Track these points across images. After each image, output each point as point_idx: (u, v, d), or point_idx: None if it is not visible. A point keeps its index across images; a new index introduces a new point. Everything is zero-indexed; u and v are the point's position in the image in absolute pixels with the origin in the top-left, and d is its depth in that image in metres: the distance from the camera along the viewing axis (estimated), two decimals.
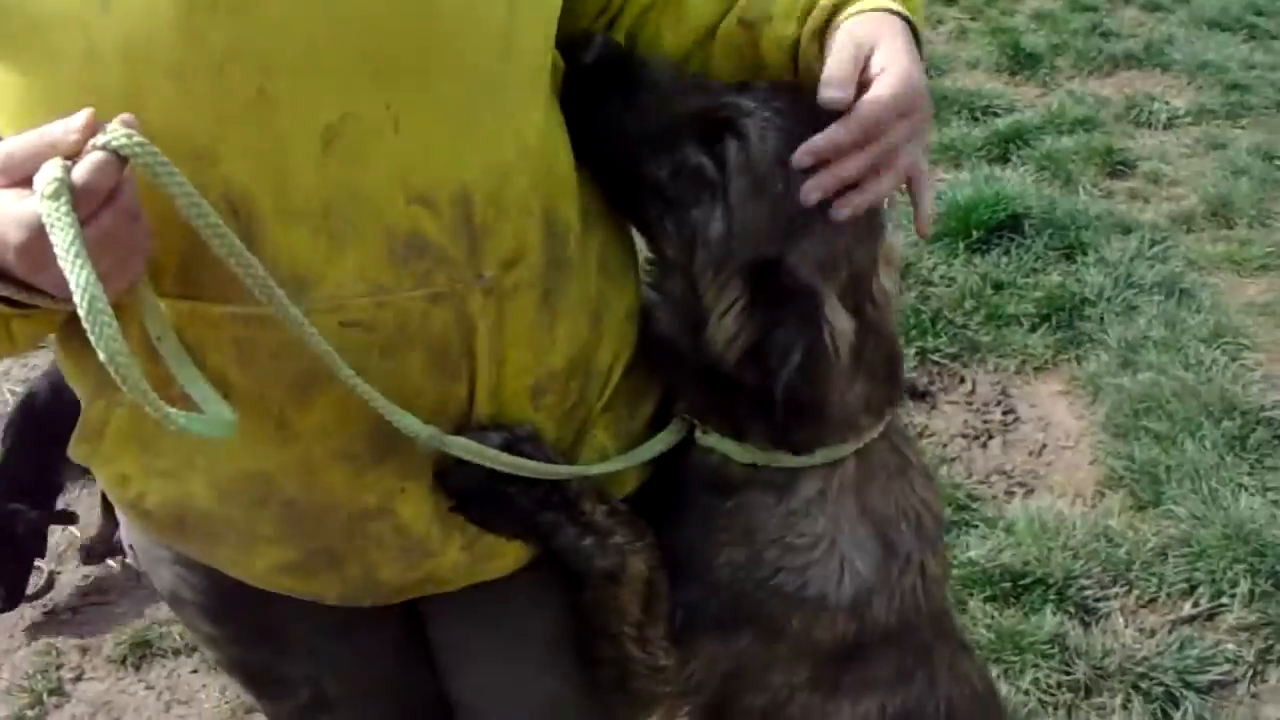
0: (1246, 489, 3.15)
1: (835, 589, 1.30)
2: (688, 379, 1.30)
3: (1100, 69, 5.74)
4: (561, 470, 1.20)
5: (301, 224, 1.02)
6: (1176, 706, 2.57)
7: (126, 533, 1.42)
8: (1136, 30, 6.15)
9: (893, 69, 1.12)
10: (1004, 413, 3.52)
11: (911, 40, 1.17)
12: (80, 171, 0.88)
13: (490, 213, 1.09)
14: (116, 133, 0.90)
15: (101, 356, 0.90)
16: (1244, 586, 2.84)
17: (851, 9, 1.18)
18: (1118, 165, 4.86)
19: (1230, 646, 2.74)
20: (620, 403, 1.31)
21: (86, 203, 0.88)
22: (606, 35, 1.22)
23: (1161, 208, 4.57)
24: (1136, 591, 2.87)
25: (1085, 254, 4.17)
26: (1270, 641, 2.74)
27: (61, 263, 0.87)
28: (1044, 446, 3.41)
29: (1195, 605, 2.84)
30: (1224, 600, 2.84)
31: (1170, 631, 2.75)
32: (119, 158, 0.90)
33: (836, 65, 1.12)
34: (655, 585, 1.29)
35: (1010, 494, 3.21)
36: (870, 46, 1.14)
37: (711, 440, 1.30)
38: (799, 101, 1.18)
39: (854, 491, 1.32)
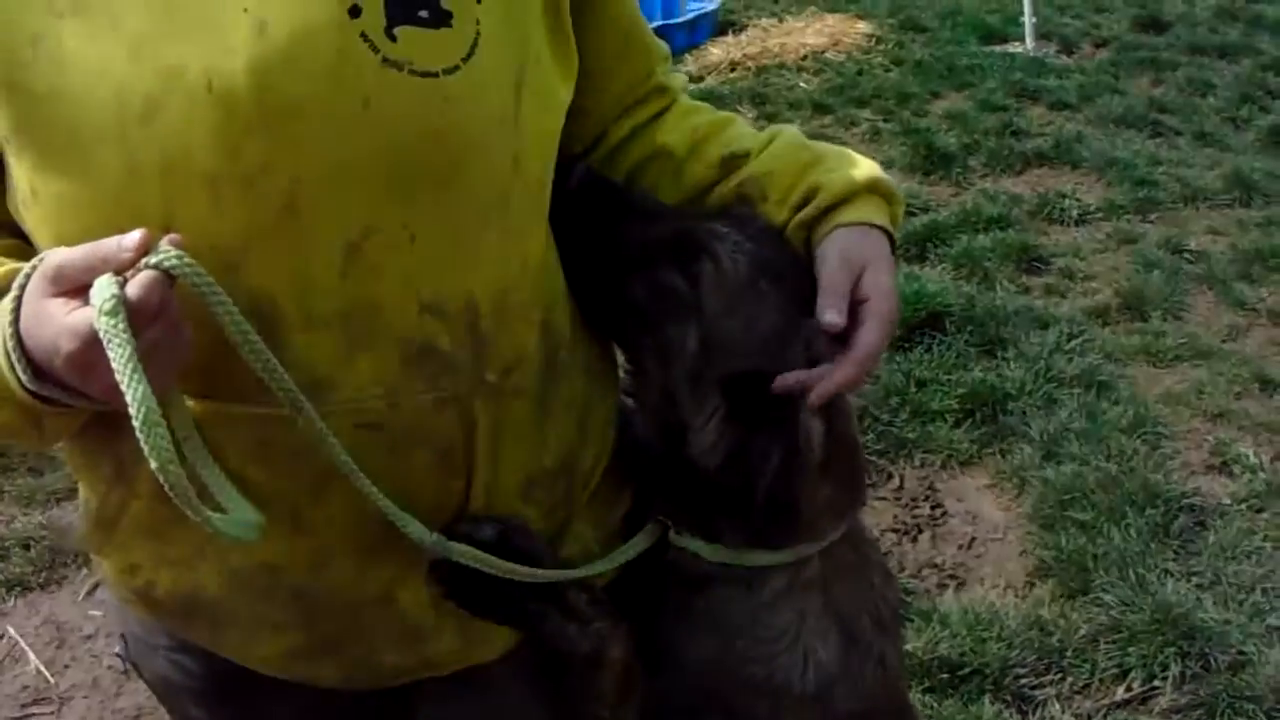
0: (1172, 574, 3.40)
1: (800, 678, 1.44)
2: (663, 483, 1.43)
3: (1012, 167, 6.16)
4: (550, 574, 1.32)
5: (322, 331, 1.13)
6: None
7: (118, 625, 1.51)
8: (1045, 129, 6.62)
9: (882, 303, 1.30)
10: (932, 507, 3.75)
11: (891, 256, 1.36)
12: (135, 289, 0.97)
13: (494, 322, 1.21)
14: (168, 253, 1.00)
15: (153, 465, 0.99)
16: (1175, 669, 3.07)
17: (841, 216, 1.36)
18: (1033, 261, 5.22)
19: None
20: (600, 500, 1.45)
21: (139, 318, 0.97)
22: (588, 164, 1.38)
23: (1077, 302, 4.92)
24: (1070, 678, 3.08)
25: (1005, 349, 4.47)
26: None
27: (118, 376, 0.96)
28: (973, 539, 3.64)
29: (1128, 689, 3.05)
30: (1156, 683, 3.05)
31: (1105, 716, 2.96)
32: (169, 276, 1.00)
33: (831, 288, 1.30)
34: (632, 671, 1.41)
35: (943, 586, 3.42)
36: (861, 267, 1.32)
37: (684, 540, 1.44)
38: (773, 236, 1.36)
39: (818, 588, 1.46)
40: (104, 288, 0.97)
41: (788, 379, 1.29)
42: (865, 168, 1.39)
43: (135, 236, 1.00)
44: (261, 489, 1.17)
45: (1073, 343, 4.55)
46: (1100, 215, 5.66)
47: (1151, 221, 5.63)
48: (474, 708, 1.49)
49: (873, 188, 1.38)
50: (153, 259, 1.00)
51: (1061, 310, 4.82)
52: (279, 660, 1.33)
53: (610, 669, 1.40)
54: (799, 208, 1.39)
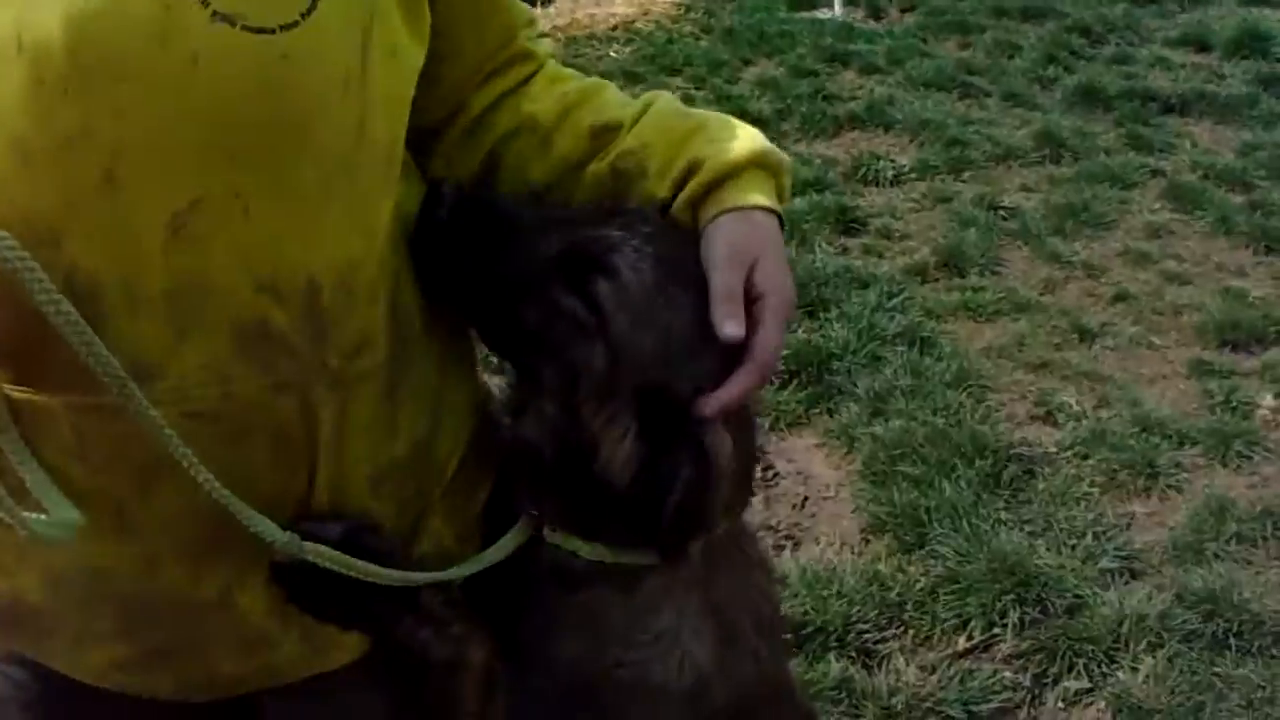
0: (1005, 523, 3.50)
1: (675, 679, 1.40)
2: (547, 487, 1.38)
3: (825, 131, 6.30)
4: (415, 577, 1.26)
5: (148, 313, 1.06)
6: None
7: None
8: (857, 93, 6.79)
9: (776, 298, 1.26)
10: (764, 469, 3.76)
11: (780, 239, 1.31)
12: None
13: (337, 302, 1.15)
14: None
15: None
16: (1013, 616, 3.15)
17: (726, 198, 1.30)
18: (850, 223, 5.33)
19: (1007, 674, 3.02)
20: (457, 491, 1.38)
21: None
22: (455, 184, 1.28)
23: (896, 261, 5.04)
24: (912, 631, 3.12)
25: (827, 310, 4.55)
26: (1044, 666, 3.04)
27: None
28: (806, 499, 3.67)
29: (969, 639, 3.11)
30: (996, 631, 3.13)
31: (950, 666, 3.00)
32: None
33: (724, 293, 1.24)
34: (494, 674, 1.37)
35: (779, 547, 3.43)
36: (752, 259, 1.26)
37: (558, 538, 1.37)
38: (667, 231, 1.30)
39: (698, 588, 1.42)
40: None
41: (714, 402, 1.25)
42: (747, 139, 1.34)
43: None
44: (83, 487, 1.10)
45: (893, 301, 4.66)
46: (914, 175, 5.83)
47: (965, 180, 5.83)
48: (321, 718, 1.41)
49: (758, 161, 1.32)
50: None
51: (881, 270, 4.93)
52: (108, 671, 1.25)
53: (470, 673, 1.34)
54: (680, 184, 1.33)
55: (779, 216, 1.32)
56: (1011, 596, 3.20)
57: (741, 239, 1.28)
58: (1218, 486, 3.77)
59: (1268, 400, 4.19)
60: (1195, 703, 2.95)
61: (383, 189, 1.20)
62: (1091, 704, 2.98)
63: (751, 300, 1.26)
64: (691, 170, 1.32)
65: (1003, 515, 3.54)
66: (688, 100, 6.14)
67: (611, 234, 1.28)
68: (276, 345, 1.12)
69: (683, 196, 1.33)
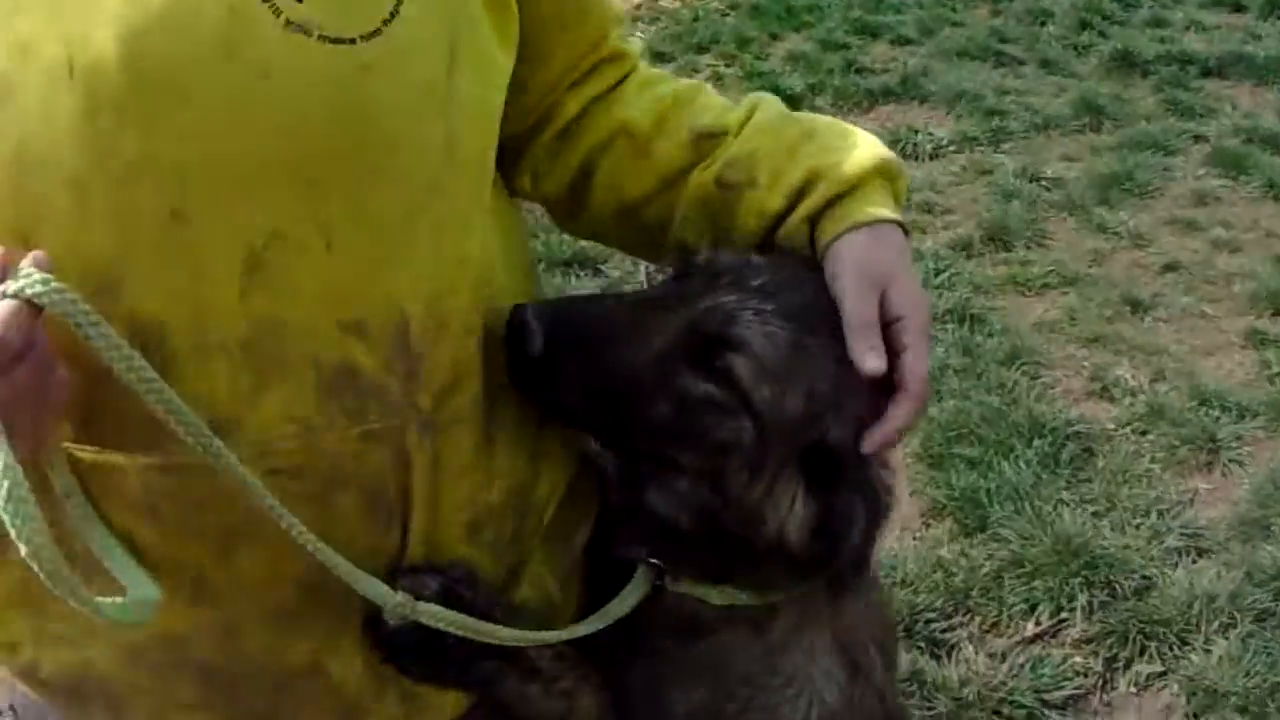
0: (1067, 504, 3.45)
1: (801, 718, 1.36)
2: (678, 549, 1.30)
3: (860, 105, 6.22)
4: (535, 636, 1.20)
5: (221, 360, 0.99)
6: None
7: (4, 694, 1.30)
8: (889, 65, 6.70)
9: (917, 319, 1.20)
10: None
11: (909, 252, 1.25)
12: None
13: (428, 336, 1.07)
14: (31, 277, 0.87)
15: (23, 551, 0.87)
16: (1082, 599, 3.11)
17: (851, 214, 1.22)
18: None
19: (1078, 659, 2.98)
20: (555, 534, 1.31)
21: (1, 360, 0.85)
22: (535, 309, 1.17)
23: (940, 236, 4.97)
24: (979, 618, 3.09)
25: None
26: (1115, 650, 3.00)
27: None
28: None
29: (1037, 624, 3.08)
30: (1064, 615, 3.09)
31: (1020, 653, 2.97)
32: (33, 305, 0.87)
33: (861, 324, 1.17)
34: None
35: None
36: (885, 281, 1.19)
37: (684, 585, 1.32)
38: (780, 272, 1.21)
39: (824, 620, 1.37)
40: None
41: (876, 439, 1.20)
42: (866, 146, 1.26)
43: None
44: (157, 553, 1.04)
45: (940, 277, 4.60)
46: (953, 148, 5.76)
47: (1005, 151, 5.75)
48: None
49: (880, 170, 1.25)
50: (12, 285, 0.87)
51: (925, 246, 4.86)
52: None
53: None
54: (797, 196, 1.25)
55: (904, 227, 1.25)
56: (1079, 579, 3.16)
57: (872, 259, 1.21)
58: None
59: None
60: (1271, 684, 2.91)
61: (474, 210, 1.13)
62: (1164, 688, 2.94)
63: (889, 323, 1.20)
64: (810, 182, 1.24)
65: (1064, 495, 3.50)
66: (717, 79, 6.15)
67: (726, 302, 1.19)
68: (364, 389, 1.04)
69: (800, 211, 1.24)
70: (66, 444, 0.99)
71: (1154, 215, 5.16)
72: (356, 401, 1.04)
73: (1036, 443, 3.68)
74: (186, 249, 0.96)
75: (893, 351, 1.19)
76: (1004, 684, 2.84)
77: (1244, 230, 5.05)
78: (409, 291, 1.05)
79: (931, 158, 5.65)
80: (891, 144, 5.21)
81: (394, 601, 1.09)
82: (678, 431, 1.21)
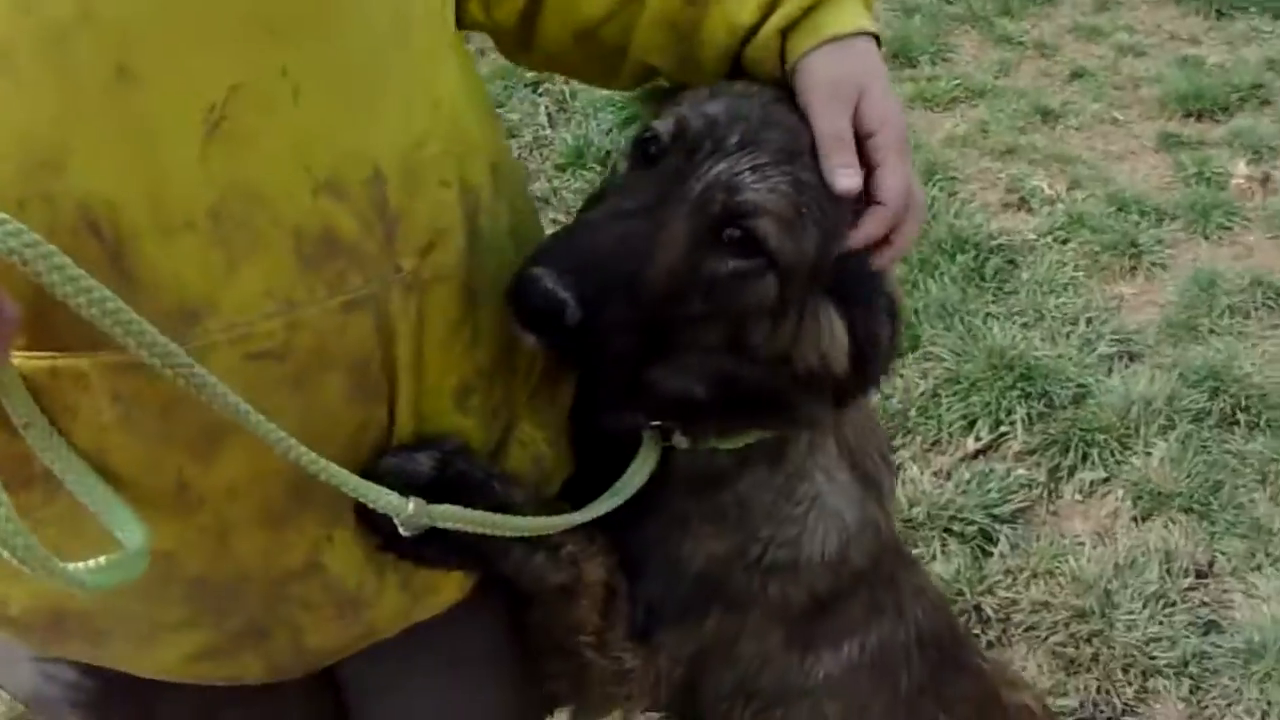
0: (996, 317, 3.40)
1: (820, 547, 1.34)
2: (696, 412, 1.26)
3: None
4: (553, 522, 1.15)
5: (186, 237, 0.89)
6: (991, 540, 2.74)
7: None
8: None
9: (892, 133, 1.14)
10: None
11: (881, 63, 1.18)
12: None
13: (405, 191, 1.00)
14: None
15: None
16: (1020, 412, 3.07)
17: (828, 25, 1.15)
18: None
19: (1021, 472, 2.95)
20: (541, 390, 1.24)
21: None
22: (549, 273, 1.07)
23: None
24: (919, 438, 3.03)
25: None
26: (1057, 460, 2.98)
27: None
28: None
29: (978, 439, 3.03)
30: (1004, 429, 3.05)
31: (964, 469, 2.92)
32: None
33: (832, 139, 1.12)
34: (614, 588, 1.28)
35: None
36: (857, 93, 1.13)
37: (693, 441, 1.28)
38: (749, 116, 1.15)
39: (831, 433, 1.35)
40: None
41: (879, 253, 1.18)
42: None
43: None
44: (132, 465, 0.95)
45: None
46: None
47: None
48: (417, 666, 1.28)
49: None
50: None
51: None
52: (185, 664, 1.11)
53: (589, 595, 1.25)
54: (769, 8, 1.17)
55: (877, 38, 1.18)
56: (1015, 392, 3.11)
57: (844, 72, 1.15)
58: (1203, 260, 3.71)
59: (1240, 168, 4.11)
60: (1212, 482, 2.92)
61: (441, 49, 1.06)
62: (1109, 493, 2.93)
63: (863, 138, 1.14)
64: None
65: (992, 309, 3.44)
66: None
67: (719, 173, 1.13)
68: (344, 254, 0.96)
69: (773, 22, 1.16)
70: (19, 355, 0.89)
71: (1056, 23, 5.08)
72: (336, 269, 0.96)
73: (960, 258, 3.61)
74: (137, 112, 0.86)
75: (868, 167, 1.14)
76: (952, 501, 2.79)
77: (1147, 35, 5.01)
78: (382, 143, 0.98)
79: None
80: None
81: (407, 511, 1.03)
82: (710, 315, 1.16)
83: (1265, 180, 4.06)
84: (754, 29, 1.18)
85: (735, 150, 1.13)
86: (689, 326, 1.17)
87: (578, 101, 4.35)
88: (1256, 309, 3.50)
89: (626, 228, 1.13)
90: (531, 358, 1.21)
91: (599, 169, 3.88)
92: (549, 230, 1.26)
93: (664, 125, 1.17)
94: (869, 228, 1.15)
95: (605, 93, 4.27)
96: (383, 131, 0.98)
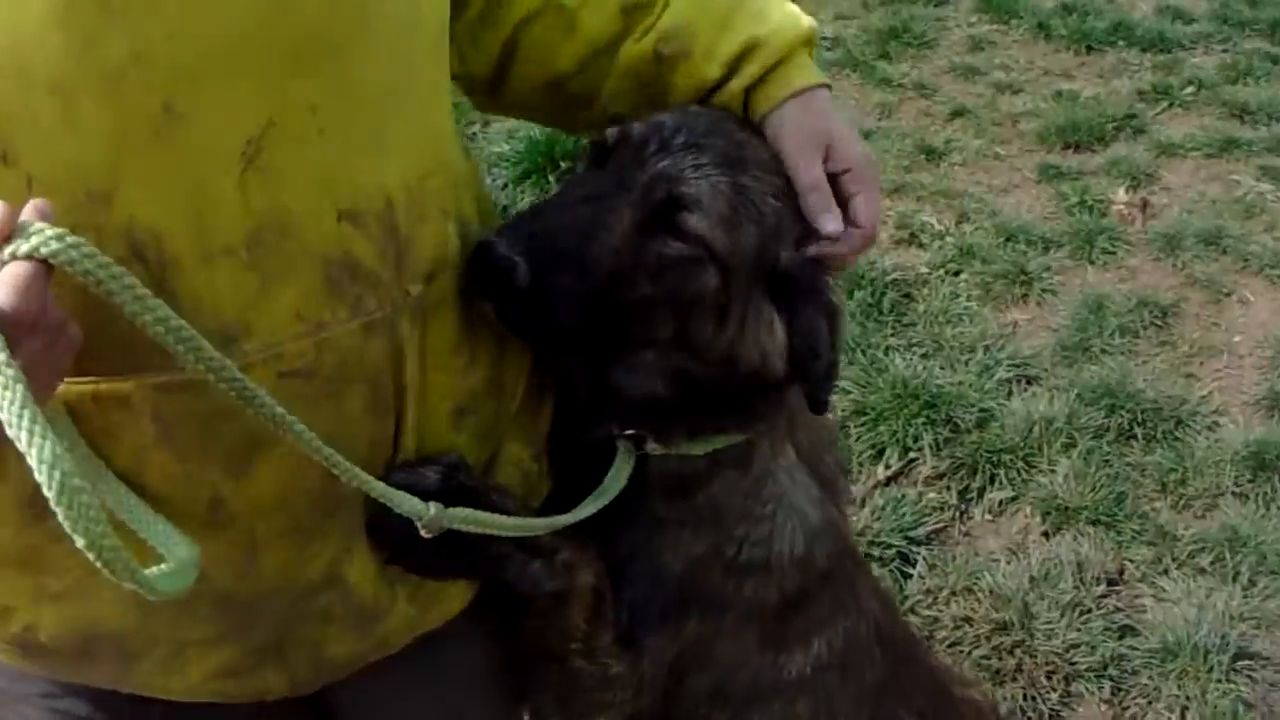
0: (896, 349, 3.50)
1: (789, 545, 1.41)
2: (660, 414, 1.33)
3: None
4: (555, 521, 1.22)
5: (225, 263, 0.94)
6: (909, 562, 2.81)
7: None
8: None
9: (865, 171, 1.28)
10: None
11: (835, 109, 1.32)
12: (5, 297, 0.77)
13: (413, 220, 1.06)
14: (44, 234, 0.79)
15: (80, 543, 0.81)
16: (927, 438, 3.15)
17: (789, 82, 1.27)
18: None
19: (932, 495, 3.03)
20: (525, 409, 1.30)
21: (16, 331, 0.78)
22: (504, 241, 1.16)
23: None
24: None
25: None
26: (966, 482, 3.07)
27: (9, 430, 0.77)
28: None
29: (888, 466, 3.11)
30: (913, 455, 3.13)
31: (878, 495, 2.99)
32: (47, 265, 0.80)
33: (811, 187, 1.26)
34: (603, 595, 1.33)
35: None
36: (825, 141, 1.27)
37: (665, 446, 1.35)
38: (695, 125, 1.25)
39: (787, 439, 1.42)
40: None
41: (828, 250, 1.28)
42: (791, 14, 1.31)
43: None
44: (168, 483, 0.99)
45: None
46: None
47: None
48: (413, 679, 1.31)
49: (808, 39, 1.30)
50: (23, 244, 0.79)
51: None
52: (207, 683, 1.13)
53: (580, 600, 1.31)
54: (734, 66, 1.29)
55: (828, 87, 1.32)
56: (921, 419, 3.20)
57: (811, 123, 1.28)
58: (1090, 284, 3.86)
59: (1120, 195, 4.29)
60: (1116, 494, 3.04)
61: (439, 86, 1.13)
62: (1019, 510, 3.02)
63: (836, 175, 1.28)
64: (748, 51, 1.27)
65: (892, 341, 3.54)
66: None
67: (664, 168, 1.23)
68: (363, 279, 1.02)
69: (739, 81, 1.28)
70: (68, 380, 0.92)
71: (934, 65, 5.26)
72: (356, 292, 1.02)
73: (858, 294, 3.70)
74: (183, 146, 0.91)
75: (842, 199, 1.28)
76: (869, 527, 2.86)
77: (1022, 72, 5.20)
78: (394, 174, 1.04)
79: None
80: None
81: (427, 513, 1.09)
82: (658, 301, 1.24)
83: (1144, 205, 4.24)
84: (719, 83, 1.29)
85: (680, 150, 1.23)
86: (639, 314, 1.24)
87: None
88: (1145, 328, 3.65)
89: (577, 210, 1.23)
90: (517, 378, 1.27)
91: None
92: None
93: (613, 131, 1.27)
94: (852, 243, 1.28)
95: (499, 149, 4.33)
96: (393, 164, 1.04)
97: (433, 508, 1.10)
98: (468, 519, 1.13)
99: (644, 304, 1.23)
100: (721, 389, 1.29)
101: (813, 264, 1.28)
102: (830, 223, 1.26)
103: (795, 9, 1.32)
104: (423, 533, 1.11)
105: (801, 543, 1.41)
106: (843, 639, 1.52)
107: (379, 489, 1.05)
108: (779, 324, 1.27)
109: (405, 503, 1.07)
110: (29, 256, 0.79)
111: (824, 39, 5.43)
